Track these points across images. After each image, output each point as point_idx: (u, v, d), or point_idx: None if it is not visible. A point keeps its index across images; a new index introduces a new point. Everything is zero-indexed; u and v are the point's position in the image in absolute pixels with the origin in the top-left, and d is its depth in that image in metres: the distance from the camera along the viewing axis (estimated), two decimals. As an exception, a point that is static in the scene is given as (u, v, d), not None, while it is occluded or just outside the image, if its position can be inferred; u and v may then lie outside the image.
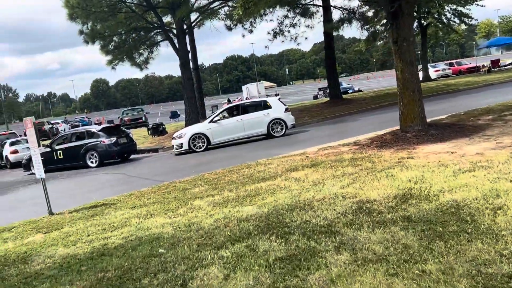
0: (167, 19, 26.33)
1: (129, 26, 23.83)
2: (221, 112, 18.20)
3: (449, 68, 44.79)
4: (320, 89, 46.61)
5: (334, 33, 29.27)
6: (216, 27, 30.23)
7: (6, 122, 66.05)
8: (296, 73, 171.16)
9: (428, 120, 11.20)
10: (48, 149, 18.32)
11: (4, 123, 74.75)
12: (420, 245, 4.20)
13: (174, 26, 25.15)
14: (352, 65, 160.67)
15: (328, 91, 39.07)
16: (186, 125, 23.16)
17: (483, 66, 40.93)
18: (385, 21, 22.73)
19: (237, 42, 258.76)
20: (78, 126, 46.84)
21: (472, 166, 6.77)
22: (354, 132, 14.30)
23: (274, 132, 17.26)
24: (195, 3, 24.85)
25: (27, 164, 18.26)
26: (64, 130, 42.47)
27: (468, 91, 25.26)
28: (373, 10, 24.01)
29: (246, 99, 34.97)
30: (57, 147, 18.18)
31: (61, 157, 17.97)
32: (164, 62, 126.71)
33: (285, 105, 18.31)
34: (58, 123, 53.76)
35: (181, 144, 17.06)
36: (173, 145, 17.61)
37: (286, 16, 28.14)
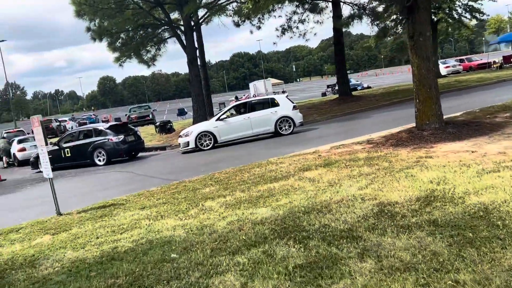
0: (174, 15, 26.11)
1: (136, 23, 23.62)
2: (228, 110, 17.96)
3: (459, 64, 44.23)
4: (328, 86, 46.21)
5: (343, 29, 28.90)
6: (223, 23, 30.00)
7: (14, 119, 66.15)
8: (303, 70, 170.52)
9: (442, 117, 10.90)
10: (56, 147, 18.17)
11: (12, 120, 74.97)
12: (450, 252, 3.94)
13: (181, 23, 24.90)
14: (359, 62, 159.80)
15: (337, 88, 38.75)
16: (194, 122, 22.96)
17: (495, 62, 40.37)
18: (395, 16, 22.35)
19: (243, 39, 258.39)
20: (85, 123, 46.79)
21: (496, 166, 6.48)
22: (366, 130, 14.01)
23: (281, 130, 16.99)
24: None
25: (35, 162, 18.13)
26: (72, 127, 42.44)
27: (480, 88, 24.83)
28: (383, 6, 23.64)
29: (253, 96, 34.70)
30: (64, 145, 18.02)
31: (69, 155, 17.81)
32: (171, 60, 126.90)
33: (293, 103, 18.03)
34: (66, 120, 53.77)
35: (188, 142, 16.86)
36: (179, 143, 17.41)
37: (294, 12, 27.81)
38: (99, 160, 17.27)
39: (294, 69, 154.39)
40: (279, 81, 69.91)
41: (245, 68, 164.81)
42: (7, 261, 5.78)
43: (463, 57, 51.70)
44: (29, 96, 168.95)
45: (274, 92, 38.64)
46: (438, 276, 3.55)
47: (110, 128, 17.87)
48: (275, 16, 27.66)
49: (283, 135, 16.82)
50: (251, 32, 28.39)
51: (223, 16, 25.95)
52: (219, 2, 24.97)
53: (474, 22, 40.68)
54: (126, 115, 44.82)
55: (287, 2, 23.46)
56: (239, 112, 17.69)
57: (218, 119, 17.18)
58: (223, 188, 8.35)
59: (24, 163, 21.34)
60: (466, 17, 37.56)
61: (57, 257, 5.56)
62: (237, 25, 26.55)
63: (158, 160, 17.00)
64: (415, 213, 5.05)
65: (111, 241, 5.89)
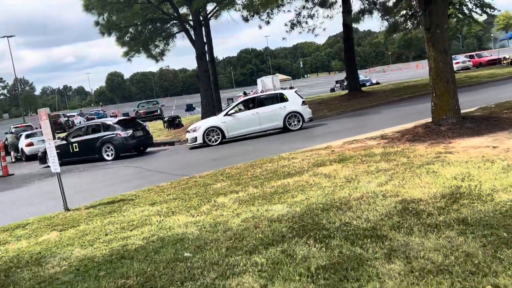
0: (183, 10, 25.83)
1: (145, 17, 23.39)
2: (236, 105, 17.69)
3: (469, 61, 43.61)
4: (337, 82, 45.81)
5: (353, 25, 28.50)
6: (232, 18, 29.76)
7: (23, 115, 66.40)
8: (311, 66, 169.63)
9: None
10: (64, 142, 18.03)
11: (21, 115, 75.22)
12: (485, 254, 3.66)
13: (190, 18, 24.65)
14: (367, 58, 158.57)
15: (345, 83, 38.36)
16: (203, 117, 22.73)
17: (505, 58, 39.73)
18: (404, 12, 21.97)
19: (251, 36, 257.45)
20: (93, 118, 46.74)
21: (522, 162, 6.18)
22: (378, 125, 13.71)
23: (290, 126, 16.71)
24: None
25: (43, 157, 18.00)
26: (80, 122, 42.40)
27: (492, 84, 24.42)
28: (393, 0, 23.23)
29: (261, 92, 34.40)
30: (72, 140, 17.86)
31: (77, 150, 17.65)
32: (179, 56, 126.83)
33: (302, 98, 17.72)
34: (74, 115, 53.82)
35: (196, 137, 16.63)
36: (187, 139, 17.19)
37: (304, 7, 27.43)
38: (108, 155, 17.10)
39: (301, 65, 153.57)
40: (287, 77, 69.49)
41: (252, 64, 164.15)
42: (12, 259, 5.57)
43: (473, 53, 50.97)
44: (37, 92, 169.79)
45: (282, 88, 38.33)
46: (475, 280, 3.28)
47: (118, 123, 17.68)
48: (284, 11, 27.32)
49: (292, 131, 16.55)
50: (260, 27, 28.34)
51: (232, 11, 25.64)
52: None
53: (483, 17, 40.04)
54: (134, 110, 44.74)
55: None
56: (248, 107, 17.43)
57: (226, 114, 16.93)
58: (235, 183, 8.10)
59: (31, 158, 21.24)
60: (477, 12, 36.98)
61: (65, 255, 5.33)
62: (246, 20, 26.21)
63: (166, 155, 16.79)
64: (441, 211, 4.76)
65: (121, 238, 5.66)
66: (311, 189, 6.58)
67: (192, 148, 16.75)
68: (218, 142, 16.48)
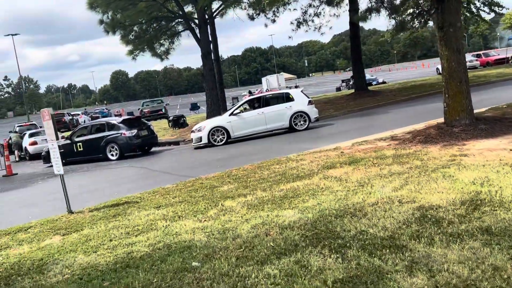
0: (188, 8, 25.63)
1: (150, 16, 23.16)
2: (241, 105, 17.47)
3: (476, 60, 43.19)
4: (343, 81, 45.47)
5: (359, 23, 28.19)
6: (238, 16, 29.40)
7: (28, 113, 66.41)
8: (315, 65, 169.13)
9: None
10: (68, 141, 17.89)
11: (25, 114, 75.33)
12: (514, 268, 3.42)
13: (195, 16, 24.43)
14: (372, 57, 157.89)
15: (351, 82, 38.05)
16: (208, 117, 22.53)
17: (514, 57, 39.33)
18: (411, 10, 21.68)
19: (255, 34, 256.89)
20: (98, 117, 46.63)
21: (544, 167, 5.92)
22: (386, 126, 13.47)
23: (296, 126, 16.47)
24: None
25: (47, 156, 17.82)
26: (84, 121, 42.29)
27: (500, 83, 24.07)
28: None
29: (266, 91, 34.16)
30: (77, 139, 17.71)
31: (81, 149, 17.50)
32: (183, 54, 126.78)
33: (308, 97, 17.48)
34: (78, 114, 53.76)
35: (200, 137, 16.43)
36: (192, 139, 17.00)
37: (310, 5, 27.16)
38: (112, 155, 16.93)
39: (306, 64, 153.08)
40: (292, 75, 69.14)
41: (257, 63, 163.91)
42: (13, 265, 5.37)
43: (480, 52, 50.51)
44: (42, 90, 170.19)
45: (287, 87, 38.06)
46: (507, 297, 3.05)
47: (123, 122, 17.50)
48: (290, 9, 27.06)
49: (298, 131, 16.32)
50: (266, 25, 27.87)
51: (237, 9, 25.38)
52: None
53: (490, 16, 39.60)
54: (139, 109, 44.58)
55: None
56: (253, 107, 17.22)
57: (231, 114, 16.72)
58: (243, 186, 7.88)
59: (35, 157, 21.11)
60: (484, 11, 36.57)
61: (67, 262, 5.13)
62: (252, 18, 25.99)
63: (171, 155, 16.60)
64: (463, 219, 4.52)
65: (126, 244, 5.45)
66: (322, 193, 6.35)
67: (197, 148, 16.55)
68: (223, 142, 16.27)
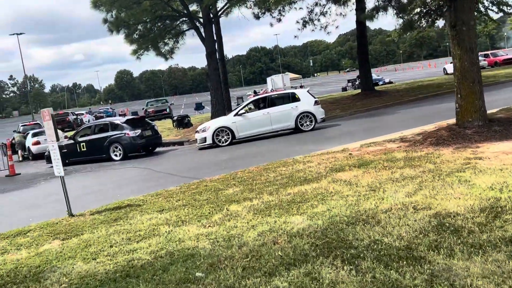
0: (193, 7, 25.39)
1: (154, 14, 22.96)
2: (246, 105, 17.23)
3: (484, 60, 42.72)
4: (349, 81, 45.12)
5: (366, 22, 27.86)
6: (243, 15, 29.00)
7: (32, 112, 66.47)
8: (321, 64, 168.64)
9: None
10: (71, 141, 17.71)
11: (30, 113, 75.42)
12: (545, 284, 3.15)
13: (200, 15, 24.20)
14: (378, 57, 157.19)
15: (357, 82, 37.71)
16: (212, 117, 22.31)
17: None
18: (418, 9, 21.37)
19: (260, 34, 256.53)
20: (102, 117, 46.54)
21: None
22: (395, 127, 13.19)
23: (302, 126, 16.21)
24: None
25: (49, 156, 17.63)
26: (89, 121, 42.17)
27: (510, 83, 23.76)
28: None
29: (271, 91, 33.89)
30: (80, 139, 17.52)
31: (84, 149, 17.30)
32: (188, 54, 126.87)
33: (315, 97, 17.22)
34: (83, 113, 53.65)
35: (205, 138, 16.20)
36: (196, 139, 16.77)
37: (316, 4, 26.87)
38: (116, 155, 16.73)
39: (311, 64, 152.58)
40: (297, 75, 68.93)
41: (262, 62, 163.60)
42: (9, 272, 5.13)
43: (488, 52, 50.03)
44: (47, 89, 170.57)
45: (292, 87, 37.76)
46: (540, 319, 2.78)
47: (127, 122, 17.29)
48: (296, 8, 26.76)
49: (304, 132, 16.06)
50: (271, 24, 27.50)
51: (243, 8, 25.10)
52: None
53: (498, 16, 39.15)
54: (143, 109, 44.40)
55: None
56: (258, 107, 16.98)
57: (236, 114, 16.48)
58: (248, 189, 7.62)
59: (38, 156, 20.94)
60: (493, 10, 36.13)
61: (65, 270, 4.89)
62: (257, 17, 25.71)
63: (175, 156, 16.37)
64: (483, 228, 4.25)
65: (127, 251, 5.21)
66: (332, 198, 6.08)
67: (201, 148, 16.32)
68: (228, 142, 16.04)
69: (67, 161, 17.50)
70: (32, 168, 18.80)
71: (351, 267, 3.81)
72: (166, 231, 5.78)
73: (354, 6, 25.99)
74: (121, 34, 23.31)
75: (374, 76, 43.43)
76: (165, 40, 25.17)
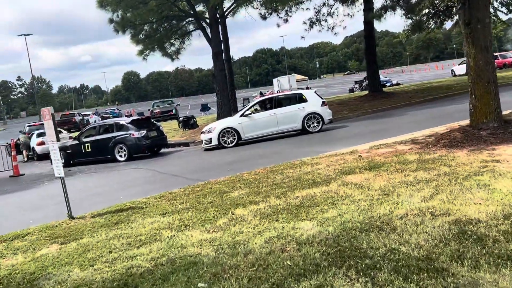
0: (199, 7, 25.17)
1: (160, 14, 22.75)
2: (252, 106, 16.96)
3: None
4: (356, 82, 44.73)
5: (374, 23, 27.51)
6: (250, 15, 28.72)
7: (39, 113, 66.56)
8: (327, 66, 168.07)
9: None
10: (76, 142, 17.54)
11: (37, 114, 75.60)
12: None
13: (206, 15, 23.97)
14: (384, 59, 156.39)
15: (365, 84, 37.34)
16: (218, 117, 22.04)
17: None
18: (427, 10, 21.02)
19: (266, 35, 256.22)
20: (108, 117, 46.44)
21: None
22: (404, 129, 12.88)
23: (309, 128, 15.91)
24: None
25: (53, 157, 17.48)
26: (95, 121, 42.09)
27: (520, 85, 23.32)
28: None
29: (277, 92, 33.61)
30: (85, 140, 17.33)
31: (89, 150, 17.12)
32: (194, 55, 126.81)
33: (322, 98, 16.90)
34: (89, 114, 53.62)
35: (210, 139, 15.93)
36: (202, 140, 16.51)
37: (324, 4, 26.56)
38: (120, 156, 16.51)
39: (317, 66, 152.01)
40: (304, 77, 68.67)
41: (268, 64, 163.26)
42: (3, 279, 4.87)
43: (497, 54, 49.45)
44: (54, 90, 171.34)
45: (298, 88, 37.47)
46: None
47: (132, 122, 17.07)
48: (303, 8, 26.49)
49: (311, 133, 15.77)
50: (278, 25, 27.24)
51: (249, 8, 24.84)
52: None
53: (506, 17, 38.70)
54: (149, 109, 44.28)
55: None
56: (265, 108, 16.70)
57: (242, 115, 16.21)
58: (254, 192, 7.33)
59: (43, 157, 20.78)
60: (502, 11, 35.65)
61: (60, 277, 4.62)
62: (264, 17, 25.45)
63: (181, 157, 16.12)
64: (509, 237, 3.93)
65: (126, 257, 4.93)
66: (342, 202, 5.78)
67: (207, 149, 16.06)
68: (233, 144, 15.77)
69: (71, 162, 17.33)
70: (36, 168, 18.63)
71: (366, 279, 3.50)
72: (168, 236, 5.50)
73: (362, 6, 25.69)
74: (127, 34, 23.17)
75: (382, 77, 43.00)
76: (171, 41, 24.96)
